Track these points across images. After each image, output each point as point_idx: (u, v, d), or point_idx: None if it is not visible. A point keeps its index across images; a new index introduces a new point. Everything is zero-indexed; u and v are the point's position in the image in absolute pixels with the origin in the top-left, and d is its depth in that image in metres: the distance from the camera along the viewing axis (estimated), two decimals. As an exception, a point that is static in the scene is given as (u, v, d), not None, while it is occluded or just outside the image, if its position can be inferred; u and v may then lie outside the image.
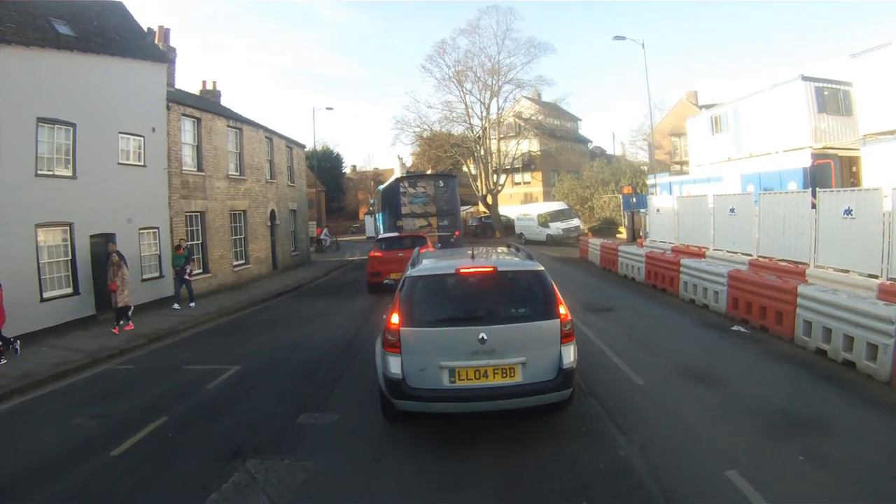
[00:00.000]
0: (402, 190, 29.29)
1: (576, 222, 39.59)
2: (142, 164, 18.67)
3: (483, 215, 54.60)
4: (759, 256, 15.63)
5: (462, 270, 6.77)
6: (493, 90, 50.27)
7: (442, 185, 29.58)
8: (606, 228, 40.22)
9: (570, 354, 6.45)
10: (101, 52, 17.02)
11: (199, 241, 22.13)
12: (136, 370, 11.54)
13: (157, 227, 19.33)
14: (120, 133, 17.80)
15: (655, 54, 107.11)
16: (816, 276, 12.72)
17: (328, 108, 56.77)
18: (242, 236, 25.67)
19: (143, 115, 18.77)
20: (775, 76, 71.85)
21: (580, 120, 61.79)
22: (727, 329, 11.94)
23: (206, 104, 25.08)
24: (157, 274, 19.32)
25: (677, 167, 45.69)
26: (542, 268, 6.99)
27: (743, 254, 16.51)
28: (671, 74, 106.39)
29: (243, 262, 25.63)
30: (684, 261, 15.94)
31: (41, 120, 14.75)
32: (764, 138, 26.47)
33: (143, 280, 18.53)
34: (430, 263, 7.44)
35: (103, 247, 16.41)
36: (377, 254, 20.04)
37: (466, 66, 50.65)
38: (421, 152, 58.09)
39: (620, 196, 38.82)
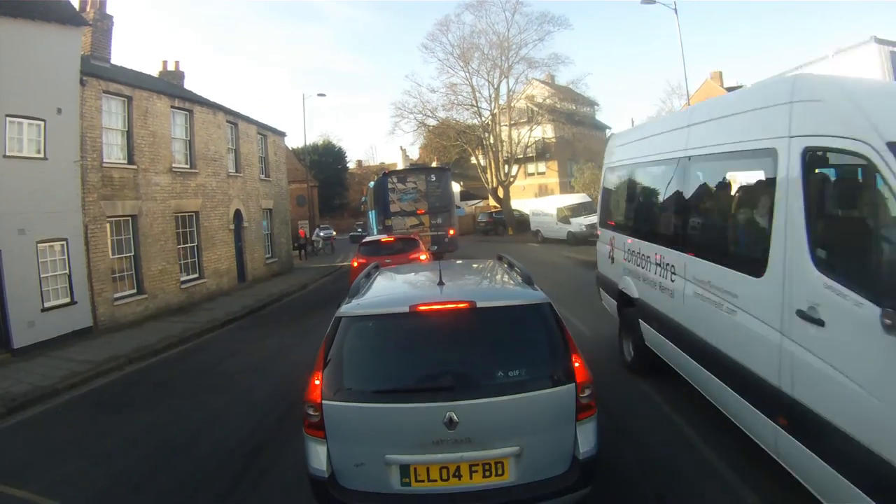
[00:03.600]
0: (390, 186, 27.53)
1: None
2: (41, 155, 14.85)
3: (494, 210, 51.38)
4: None
5: (420, 308, 4.87)
6: (503, 69, 46.99)
7: (434, 179, 27.91)
8: None
9: (590, 437, 4.77)
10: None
11: (131, 254, 18.26)
12: None
13: (66, 239, 15.50)
14: (8, 116, 14.01)
15: (673, 37, 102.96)
16: None
17: (320, 95, 53.23)
18: (194, 244, 21.78)
19: (45, 93, 14.99)
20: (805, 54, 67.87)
21: (597, 105, 57.89)
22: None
23: (143, 80, 21.06)
24: (66, 300, 15.48)
25: None
26: (546, 299, 5.08)
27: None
28: (689, 59, 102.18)
29: (195, 276, 21.75)
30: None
31: None
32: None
33: (46, 309, 14.77)
34: (374, 293, 5.68)
35: None
36: (360, 261, 16.80)
37: (472, 43, 47.49)
38: (426, 143, 55.59)
39: None
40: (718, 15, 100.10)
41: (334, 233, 53.39)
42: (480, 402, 4.55)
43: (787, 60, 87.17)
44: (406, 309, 4.91)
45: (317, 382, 4.77)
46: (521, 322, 5.07)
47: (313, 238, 41.04)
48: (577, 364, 4.80)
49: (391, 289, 6.22)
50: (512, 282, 5.93)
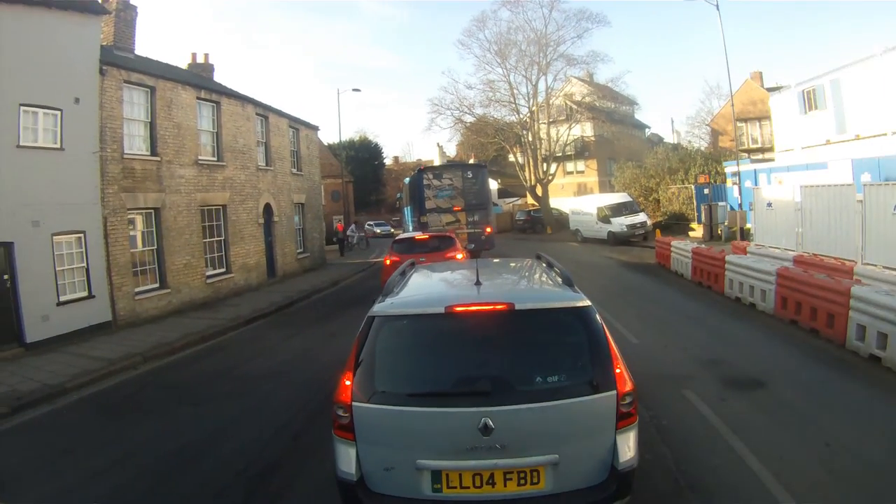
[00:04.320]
0: (425, 182, 26.95)
1: (642, 217, 34.68)
2: (57, 146, 14.34)
3: (532, 208, 50.53)
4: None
5: (457, 309, 4.69)
6: (541, 66, 46.08)
7: (470, 175, 27.24)
8: (675, 224, 35.95)
9: (628, 446, 4.50)
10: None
11: (154, 247, 17.75)
12: None
13: (83, 231, 14.98)
14: (22, 105, 13.54)
15: (714, 36, 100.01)
16: None
17: (355, 90, 52.59)
18: (221, 238, 21.24)
19: (62, 83, 14.48)
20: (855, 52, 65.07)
21: (636, 104, 56.46)
22: None
23: (167, 71, 20.46)
24: (83, 294, 14.96)
25: (744, 155, 40.78)
26: (588, 302, 4.84)
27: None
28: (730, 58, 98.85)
29: (222, 270, 21.18)
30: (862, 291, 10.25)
31: None
32: (876, 116, 22.30)
33: (61, 304, 14.27)
34: (409, 292, 5.51)
35: None
36: (393, 259, 16.13)
37: (509, 39, 46.69)
38: (463, 140, 55.06)
39: (693, 187, 35.29)
40: (760, 11, 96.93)
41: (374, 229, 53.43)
42: (517, 409, 4.41)
43: (831, 58, 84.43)
44: (442, 309, 4.75)
45: (347, 383, 4.66)
46: (560, 326, 4.87)
47: (348, 233, 40.61)
48: (618, 370, 4.60)
49: (426, 288, 6.04)
50: (551, 283, 5.76)
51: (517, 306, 4.72)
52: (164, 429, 8.61)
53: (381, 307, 4.99)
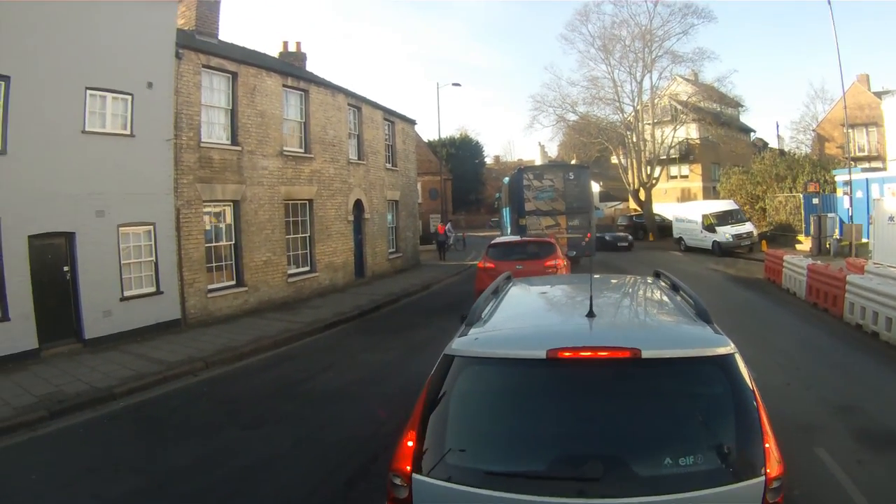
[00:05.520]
0: (525, 183, 25.39)
1: (748, 227, 31.92)
2: (126, 132, 13.33)
3: (634, 213, 47.77)
4: None
5: (563, 354, 3.39)
6: (647, 63, 43.29)
7: (572, 177, 25.66)
8: (781, 236, 33.11)
9: None
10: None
11: (231, 242, 16.59)
12: None
13: (153, 223, 13.91)
14: (89, 89, 12.58)
15: (818, 34, 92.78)
16: None
17: (455, 85, 51.74)
18: (306, 235, 19.92)
19: (133, 66, 13.51)
20: None
21: (742, 106, 51.92)
22: None
23: (251, 57, 19.31)
24: (151, 289, 13.91)
25: (853, 163, 36.46)
26: (732, 347, 3.51)
27: None
28: (834, 59, 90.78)
29: (306, 269, 19.86)
30: None
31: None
32: None
33: (125, 299, 13.25)
34: (501, 322, 4.13)
35: (55, 252, 11.79)
36: (488, 265, 14.68)
37: (613, 34, 44.26)
38: (565, 140, 52.93)
39: (801, 196, 32.41)
40: (863, 8, 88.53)
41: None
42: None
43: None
44: (542, 353, 3.46)
45: (409, 444, 3.49)
46: (698, 381, 3.57)
47: (445, 234, 39.34)
48: (767, 446, 3.31)
49: (524, 317, 4.67)
50: (682, 317, 4.38)
51: (644, 353, 3.42)
52: (201, 456, 7.32)
53: (462, 343, 3.77)
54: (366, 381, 10.34)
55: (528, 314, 4.88)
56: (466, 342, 3.80)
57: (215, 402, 9.71)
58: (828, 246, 26.63)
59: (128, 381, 10.43)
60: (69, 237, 12.34)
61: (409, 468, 3.46)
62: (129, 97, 13.42)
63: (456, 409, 3.57)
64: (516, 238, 18.31)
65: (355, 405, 9.02)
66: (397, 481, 3.50)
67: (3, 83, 11.15)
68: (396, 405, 7.86)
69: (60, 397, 9.57)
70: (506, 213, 33.09)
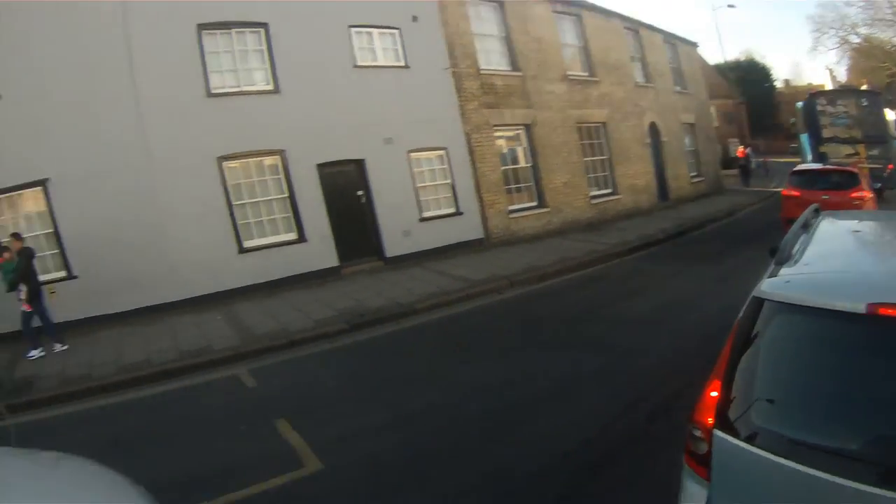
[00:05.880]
0: (819, 108, 23.23)
1: None
2: (401, 64, 12.68)
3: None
4: None
5: (885, 311, 2.37)
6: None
7: (866, 103, 22.83)
8: None
9: None
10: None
11: (529, 164, 15.21)
12: None
13: (444, 148, 13.12)
14: (352, 27, 12.24)
15: None
16: None
17: (730, 6, 47.75)
18: (604, 157, 17.74)
19: (395, 2, 13.01)
20: None
21: None
22: None
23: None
24: (450, 210, 13.33)
25: None
26: None
27: None
28: None
29: (608, 191, 17.60)
30: None
31: (203, 27, 10.62)
32: None
33: (424, 219, 12.80)
34: (815, 262, 3.15)
35: (347, 178, 12.05)
36: (793, 193, 13.51)
37: None
38: (853, 64, 46.52)
39: None
40: None
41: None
42: None
43: None
44: (861, 307, 2.57)
45: (713, 395, 2.87)
46: None
47: (746, 159, 36.28)
48: None
49: (839, 256, 3.70)
50: None
51: None
52: (486, 380, 6.50)
53: (773, 286, 2.99)
54: (674, 308, 8.69)
55: (843, 254, 3.86)
56: (777, 284, 3.02)
57: (518, 322, 8.62)
58: None
59: (431, 296, 9.47)
60: (359, 164, 11.92)
61: (710, 421, 2.85)
62: (397, 31, 12.71)
63: (765, 362, 2.89)
64: (819, 166, 15.57)
65: (662, 333, 7.58)
66: (697, 433, 2.94)
67: (262, 30, 11.05)
68: (706, 337, 6.38)
69: (361, 310, 8.88)
70: (804, 139, 29.55)
